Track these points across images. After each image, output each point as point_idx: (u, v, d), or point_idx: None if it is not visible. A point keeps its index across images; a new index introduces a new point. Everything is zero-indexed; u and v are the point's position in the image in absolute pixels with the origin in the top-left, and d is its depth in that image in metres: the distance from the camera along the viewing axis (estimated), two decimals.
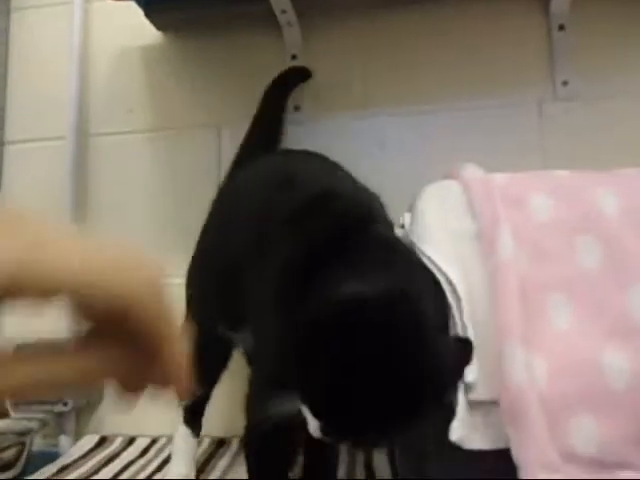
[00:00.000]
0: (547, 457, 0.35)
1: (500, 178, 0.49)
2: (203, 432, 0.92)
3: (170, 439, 0.93)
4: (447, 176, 0.53)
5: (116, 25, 1.07)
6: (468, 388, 0.41)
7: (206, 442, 0.91)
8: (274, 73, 1.00)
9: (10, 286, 0.21)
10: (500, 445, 0.39)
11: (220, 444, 0.91)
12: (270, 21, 0.96)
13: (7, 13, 1.12)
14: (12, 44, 1.12)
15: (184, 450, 0.66)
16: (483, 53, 0.94)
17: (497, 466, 0.42)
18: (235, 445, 0.89)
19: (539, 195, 0.47)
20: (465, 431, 0.40)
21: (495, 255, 0.43)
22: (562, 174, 0.51)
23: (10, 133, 1.09)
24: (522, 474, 0.36)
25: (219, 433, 0.92)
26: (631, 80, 0.90)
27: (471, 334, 0.42)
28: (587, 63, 0.91)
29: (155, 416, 0.95)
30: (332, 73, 1.00)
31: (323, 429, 0.35)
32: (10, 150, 1.08)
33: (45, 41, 1.11)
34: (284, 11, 0.92)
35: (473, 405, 0.40)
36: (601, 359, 0.39)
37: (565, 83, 0.91)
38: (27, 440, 0.80)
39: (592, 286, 0.43)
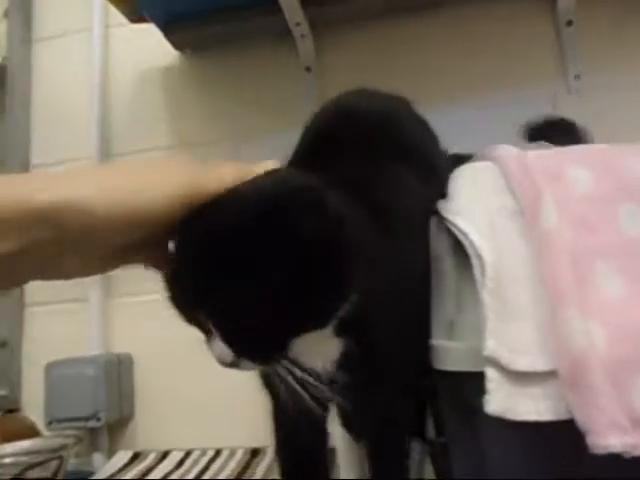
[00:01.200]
0: (617, 420, 0.35)
1: (534, 154, 0.50)
2: (237, 443, 0.92)
3: (204, 451, 0.92)
4: (478, 158, 0.54)
5: (134, 48, 1.11)
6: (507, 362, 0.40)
7: (240, 452, 0.90)
8: (289, 86, 1.03)
9: None
10: (551, 417, 0.38)
11: (254, 454, 0.89)
12: (284, 35, 0.99)
13: (29, 42, 1.16)
14: (35, 72, 1.16)
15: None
16: (495, 53, 0.96)
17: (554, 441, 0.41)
18: (270, 454, 0.88)
19: (576, 168, 0.47)
20: (507, 402, 0.39)
21: (539, 226, 0.43)
22: (595, 147, 0.52)
23: (36, 157, 1.12)
24: (591, 439, 0.35)
25: (253, 443, 0.90)
26: None
27: (490, 311, 0.42)
28: (598, 56, 0.93)
29: (188, 429, 0.95)
30: (345, 84, 1.02)
31: None
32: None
33: (67, 67, 1.15)
34: (298, 23, 0.95)
35: (521, 376, 0.40)
36: None
37: (577, 77, 0.93)
38: (64, 454, 0.79)
39: (637, 253, 0.43)
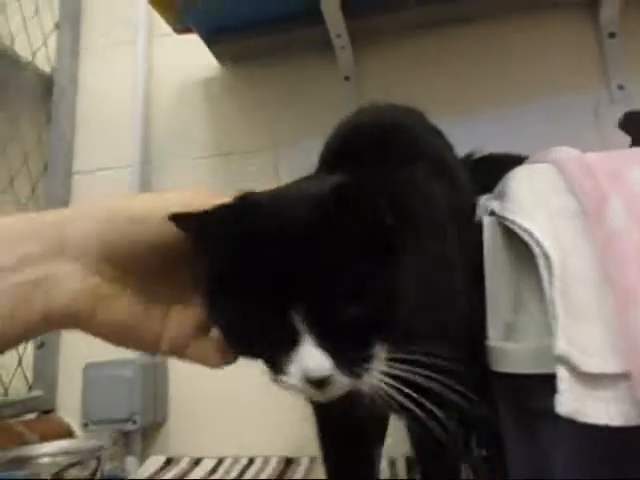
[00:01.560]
0: None
1: (595, 155, 0.49)
2: (270, 452, 0.91)
3: (236, 459, 0.91)
4: (534, 161, 0.54)
5: (176, 60, 1.14)
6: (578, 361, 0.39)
7: (274, 461, 0.89)
8: (328, 95, 1.04)
9: None
10: (622, 422, 0.37)
11: (288, 463, 0.88)
12: (323, 46, 1.01)
13: (77, 54, 1.20)
14: (81, 82, 1.20)
15: None
16: (539, 62, 0.96)
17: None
18: (304, 464, 0.87)
19: (637, 169, 0.46)
20: (577, 404, 0.38)
21: (606, 227, 0.42)
22: None
23: (78, 164, 1.15)
24: None
25: (287, 452, 0.89)
26: None
27: (559, 310, 0.41)
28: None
29: (221, 436, 0.94)
30: (382, 92, 1.03)
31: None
32: (78, 180, 1.14)
33: (111, 78, 1.18)
34: (339, 35, 0.97)
35: (591, 378, 0.39)
36: None
37: (621, 87, 0.92)
38: (101, 457, 0.79)
39: None
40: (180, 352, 0.38)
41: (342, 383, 0.33)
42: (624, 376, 0.38)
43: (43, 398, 1.00)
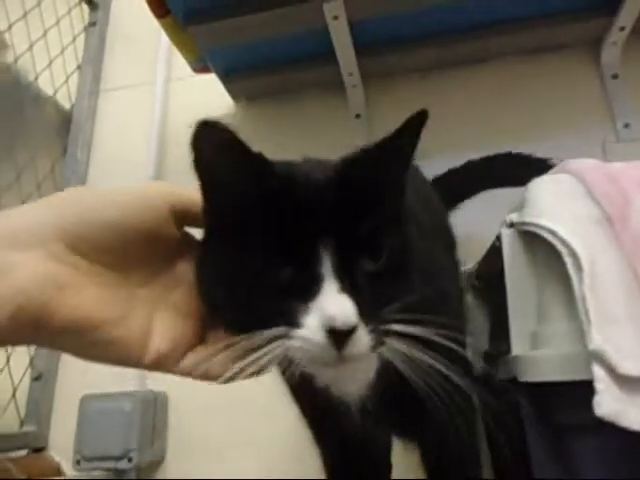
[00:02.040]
0: None
1: (618, 165, 0.49)
2: None
3: None
4: (554, 171, 0.54)
5: (192, 100, 1.18)
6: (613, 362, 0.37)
7: None
8: (339, 132, 1.07)
9: None
10: None
11: None
12: (334, 84, 1.04)
13: (97, 93, 1.25)
14: (99, 119, 1.24)
15: None
16: (545, 103, 0.99)
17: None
18: None
19: None
20: (618, 406, 0.35)
21: (631, 230, 0.42)
22: None
23: None
24: None
25: None
26: None
27: (591, 305, 0.39)
28: None
29: (224, 467, 0.89)
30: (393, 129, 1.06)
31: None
32: None
33: (129, 116, 1.22)
34: (350, 74, 1.01)
35: (625, 380, 0.37)
36: None
37: (627, 125, 0.94)
38: None
39: None
40: (172, 365, 0.34)
41: (363, 342, 0.30)
42: None
43: (35, 434, 0.95)
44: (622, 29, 0.91)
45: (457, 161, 0.91)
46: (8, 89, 1.04)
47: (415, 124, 0.34)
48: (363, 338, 0.30)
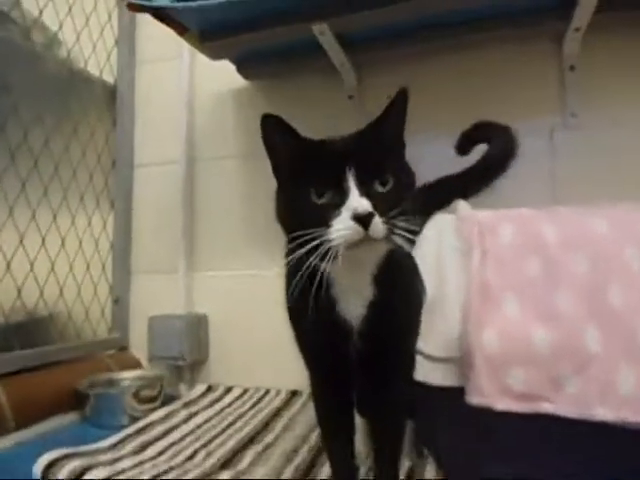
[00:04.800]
0: (484, 391, 0.61)
1: (481, 213, 0.73)
2: (281, 385, 1.24)
3: (256, 389, 1.25)
4: (450, 210, 0.78)
5: (215, 74, 1.38)
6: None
7: (283, 393, 1.22)
8: (334, 111, 1.27)
9: None
10: (453, 383, 0.65)
11: (294, 394, 1.21)
12: (330, 70, 1.22)
13: (134, 65, 1.47)
14: (137, 88, 1.47)
15: None
16: (503, 90, 1.14)
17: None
18: (304, 396, 1.19)
19: (505, 225, 0.71)
20: (427, 374, 0.66)
21: (469, 267, 0.68)
22: (525, 211, 0.74)
23: (138, 158, 1.45)
24: (467, 400, 0.62)
25: (293, 386, 1.22)
26: (633, 112, 1.07)
27: (424, 325, 0.66)
28: (594, 98, 1.09)
29: (246, 371, 1.29)
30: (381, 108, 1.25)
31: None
32: (139, 173, 1.45)
33: (162, 85, 1.45)
34: (342, 64, 1.18)
35: (436, 359, 0.67)
36: (532, 333, 0.64)
37: (574, 115, 1.10)
38: (163, 383, 1.15)
39: (534, 288, 0.66)
40: None
41: (380, 228, 0.49)
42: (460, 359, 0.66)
43: (120, 339, 1.37)
44: (577, 30, 1.03)
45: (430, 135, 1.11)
46: (65, 80, 1.29)
47: (401, 97, 0.56)
48: (380, 225, 0.49)
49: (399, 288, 0.59)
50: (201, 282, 1.36)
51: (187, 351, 1.26)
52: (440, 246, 0.73)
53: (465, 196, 0.79)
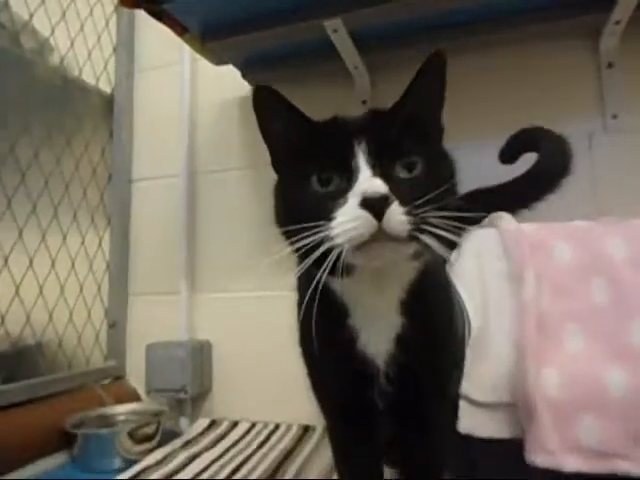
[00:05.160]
0: (548, 446, 0.49)
1: (529, 227, 0.62)
2: (293, 420, 1.12)
3: (265, 425, 1.13)
4: (488, 224, 0.67)
5: (216, 81, 1.29)
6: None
7: (295, 428, 1.10)
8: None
9: None
10: (506, 435, 0.53)
11: (306, 430, 1.09)
12: (343, 73, 1.13)
13: (132, 73, 1.38)
14: (136, 98, 1.38)
15: None
16: (538, 89, 1.04)
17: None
18: (318, 431, 1.07)
19: (561, 242, 0.59)
20: (473, 424, 0.54)
21: (521, 294, 0.56)
22: (581, 224, 0.63)
23: (136, 173, 1.36)
24: (527, 458, 0.50)
25: (305, 421, 1.10)
26: None
27: (468, 360, 0.55)
28: (635, 97, 0.99)
29: (254, 404, 1.17)
30: None
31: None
32: (138, 187, 1.35)
33: (161, 94, 1.36)
34: (356, 67, 1.08)
35: (483, 405, 0.55)
36: (604, 376, 0.52)
37: (615, 116, 0.99)
38: (162, 419, 1.03)
39: (601, 318, 0.55)
40: None
41: (399, 218, 0.36)
42: (514, 405, 0.54)
43: (116, 367, 1.26)
44: (617, 23, 0.93)
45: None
46: (58, 88, 1.20)
47: (434, 63, 0.46)
48: (399, 215, 0.36)
49: (435, 317, 0.47)
50: (204, 305, 1.24)
51: (189, 383, 1.14)
52: (482, 269, 0.61)
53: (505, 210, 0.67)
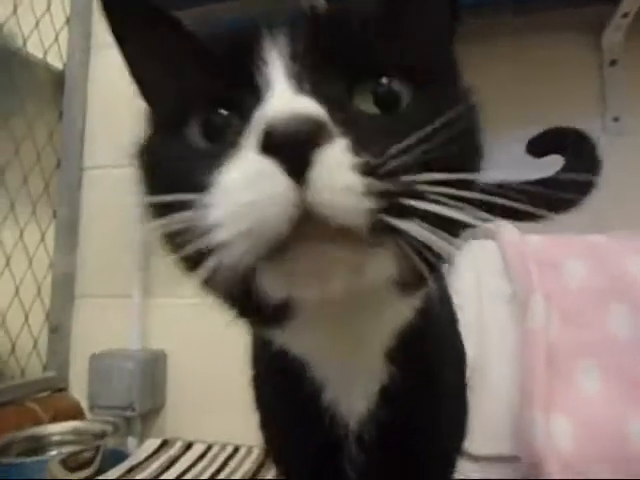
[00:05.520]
0: None
1: (535, 241, 0.52)
2: (254, 442, 1.01)
3: (223, 447, 1.02)
4: (485, 235, 0.57)
5: None
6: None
7: (256, 452, 0.99)
8: None
9: None
10: None
11: (268, 454, 0.97)
12: None
13: (88, 49, 1.24)
14: (92, 76, 1.24)
15: None
16: (530, 90, 0.95)
17: None
18: None
19: (574, 260, 0.50)
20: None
21: (527, 321, 0.47)
22: (597, 239, 0.54)
23: (89, 160, 1.21)
24: None
25: None
26: None
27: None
28: (638, 99, 0.91)
29: (211, 423, 1.05)
30: None
31: None
32: (90, 176, 1.20)
33: (120, 73, 1.21)
34: None
35: (480, 459, 0.45)
36: (626, 426, 0.42)
37: (616, 119, 0.92)
38: (102, 443, 0.90)
39: (621, 354, 0.45)
40: None
41: (343, 168, 0.19)
42: (517, 458, 0.44)
43: (56, 378, 1.12)
44: (625, 15, 0.85)
45: None
46: None
47: None
48: (345, 168, 0.19)
49: (439, 362, 0.35)
50: (159, 311, 1.11)
51: (138, 399, 1.01)
52: (479, 289, 0.51)
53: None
